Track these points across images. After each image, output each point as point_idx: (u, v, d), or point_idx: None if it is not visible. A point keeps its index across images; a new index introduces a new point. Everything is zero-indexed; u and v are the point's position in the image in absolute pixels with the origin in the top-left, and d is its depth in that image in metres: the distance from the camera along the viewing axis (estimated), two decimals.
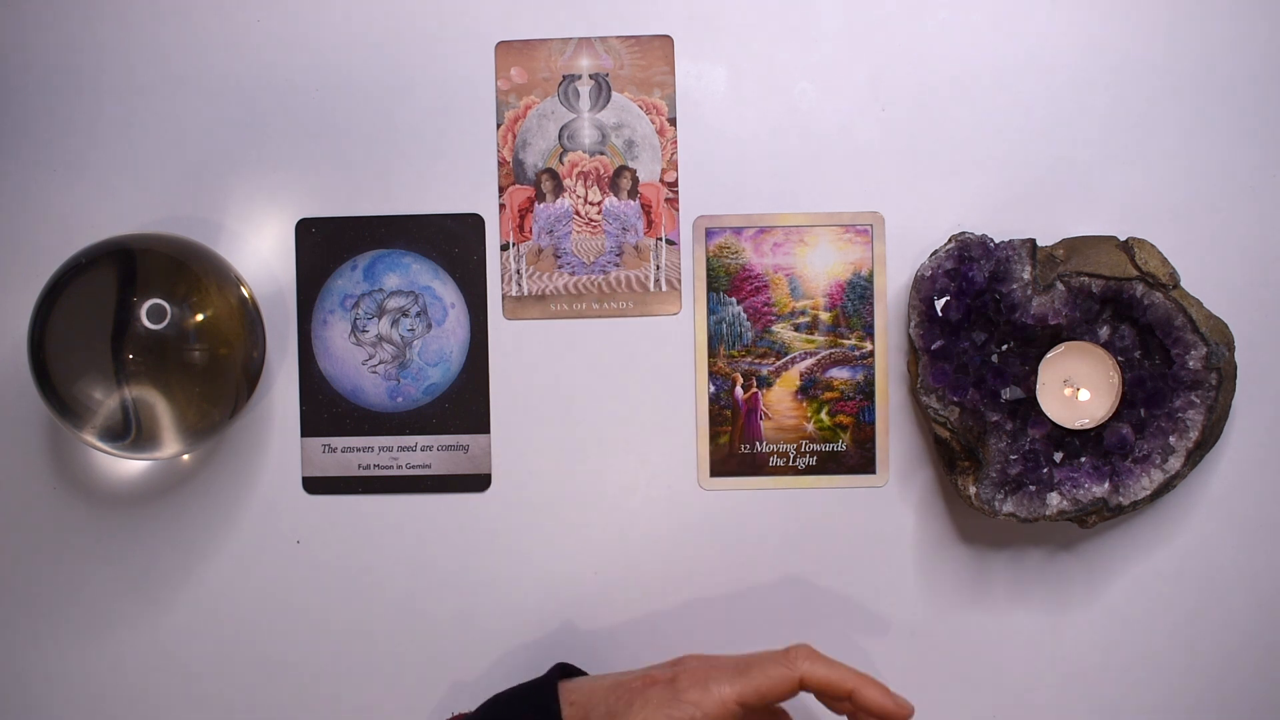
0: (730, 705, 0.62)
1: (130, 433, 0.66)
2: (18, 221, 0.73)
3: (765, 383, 0.73)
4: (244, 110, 0.73)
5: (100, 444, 0.67)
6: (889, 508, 0.73)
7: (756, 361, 0.73)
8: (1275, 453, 0.72)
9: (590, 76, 0.73)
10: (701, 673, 0.63)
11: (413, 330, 0.73)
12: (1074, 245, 0.70)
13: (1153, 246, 0.69)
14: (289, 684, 0.74)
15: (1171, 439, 0.69)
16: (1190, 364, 0.68)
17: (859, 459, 0.73)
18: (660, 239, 0.73)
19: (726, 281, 0.73)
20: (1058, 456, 0.70)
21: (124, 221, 0.73)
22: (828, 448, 0.73)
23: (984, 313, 0.70)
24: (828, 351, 0.73)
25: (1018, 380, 0.70)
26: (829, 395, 0.73)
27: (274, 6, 0.73)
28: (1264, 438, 0.72)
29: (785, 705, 0.68)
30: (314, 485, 0.74)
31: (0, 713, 0.74)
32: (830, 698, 0.64)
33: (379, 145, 0.73)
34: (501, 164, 0.73)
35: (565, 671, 0.67)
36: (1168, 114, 0.72)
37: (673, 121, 0.73)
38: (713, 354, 0.73)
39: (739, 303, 0.73)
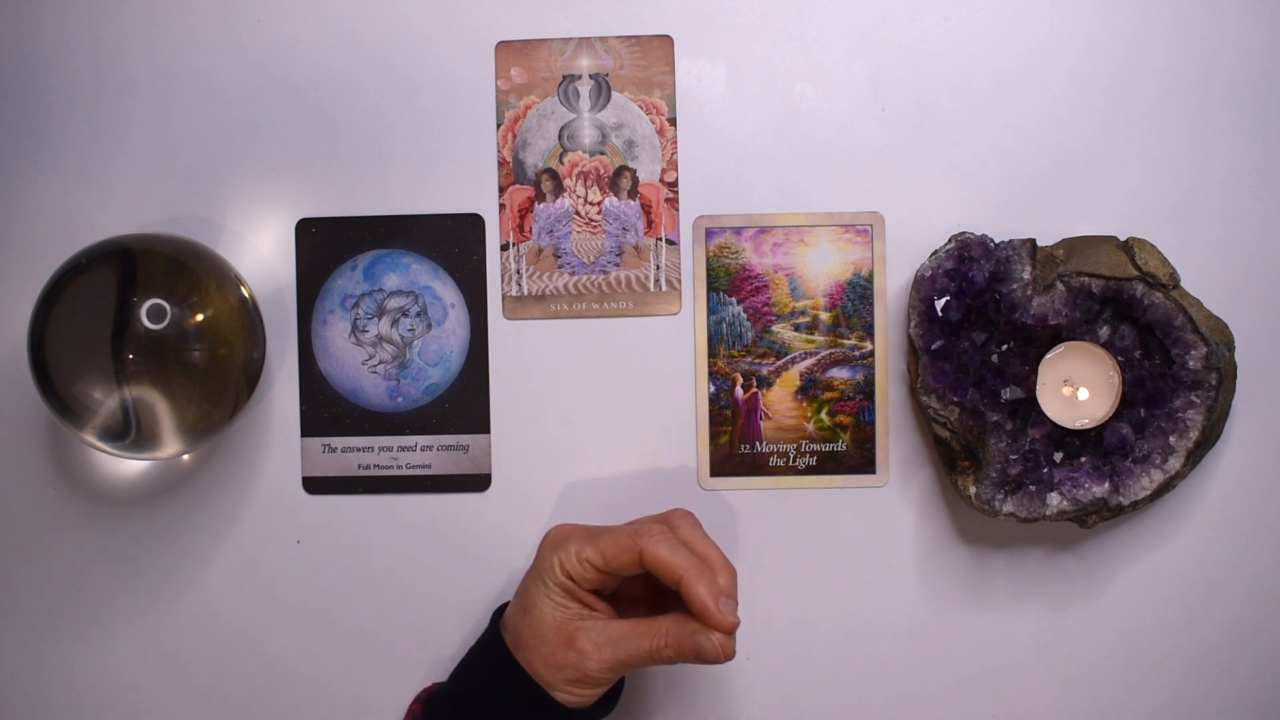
0: (584, 561, 0.64)
1: (130, 433, 0.66)
2: (18, 222, 0.73)
3: (765, 383, 0.73)
4: (244, 110, 0.73)
5: (100, 444, 0.67)
6: (889, 508, 0.73)
7: (756, 361, 0.73)
8: (1275, 453, 0.72)
9: (590, 76, 0.73)
10: (565, 534, 0.65)
11: (413, 330, 0.73)
12: (1074, 245, 0.70)
13: (1153, 246, 0.69)
14: (289, 683, 0.74)
15: (1171, 439, 0.69)
16: (1190, 364, 0.68)
17: (859, 459, 0.73)
18: (660, 239, 0.73)
19: (726, 281, 0.73)
20: (1058, 456, 0.70)
21: (124, 221, 0.73)
22: (828, 448, 0.73)
23: (984, 313, 0.69)
24: (828, 351, 0.73)
25: (1018, 380, 0.70)
26: (829, 395, 0.73)
27: (274, 7, 0.73)
28: (1264, 438, 0.72)
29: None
30: (314, 485, 0.74)
31: (0, 713, 0.74)
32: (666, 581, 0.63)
33: (379, 145, 0.73)
34: (501, 164, 0.73)
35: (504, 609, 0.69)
36: (1168, 114, 0.72)
37: (673, 121, 0.73)
38: (713, 354, 0.73)
39: (739, 303, 0.73)
